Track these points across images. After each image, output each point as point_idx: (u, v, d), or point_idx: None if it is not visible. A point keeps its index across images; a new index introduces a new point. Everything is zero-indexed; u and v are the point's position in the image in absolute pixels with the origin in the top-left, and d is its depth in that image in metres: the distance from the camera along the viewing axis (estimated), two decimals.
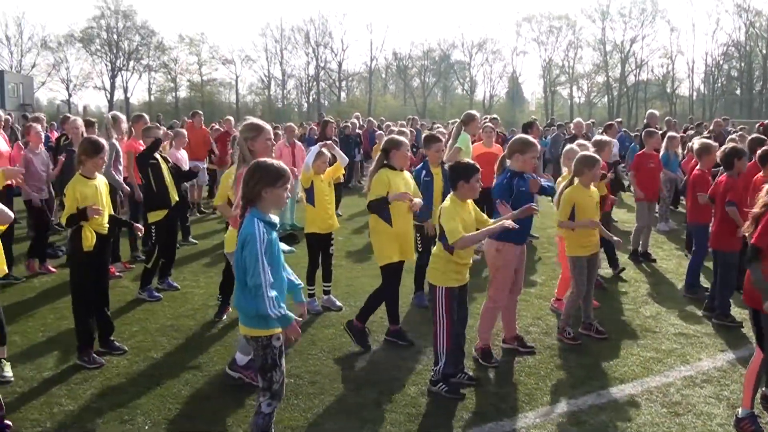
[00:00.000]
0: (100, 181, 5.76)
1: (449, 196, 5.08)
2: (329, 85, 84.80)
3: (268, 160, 3.80)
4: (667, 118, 15.52)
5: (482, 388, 5.21)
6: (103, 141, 5.79)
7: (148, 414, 4.74)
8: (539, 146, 5.97)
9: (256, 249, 3.53)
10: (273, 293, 3.58)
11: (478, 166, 5.07)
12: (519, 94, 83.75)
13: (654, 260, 9.61)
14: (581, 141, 7.83)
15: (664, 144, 10.76)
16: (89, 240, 5.55)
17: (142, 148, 8.15)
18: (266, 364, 3.79)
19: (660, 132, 11.45)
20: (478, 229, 4.98)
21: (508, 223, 4.73)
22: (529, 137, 6.07)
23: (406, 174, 6.17)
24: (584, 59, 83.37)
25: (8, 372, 5.28)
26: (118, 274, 8.50)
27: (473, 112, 9.72)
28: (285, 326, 3.70)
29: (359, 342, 6.02)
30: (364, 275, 8.63)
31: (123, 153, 8.75)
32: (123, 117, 9.06)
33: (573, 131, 14.01)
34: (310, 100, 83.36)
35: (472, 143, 9.50)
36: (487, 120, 12.29)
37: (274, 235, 3.71)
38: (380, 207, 5.91)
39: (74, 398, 4.99)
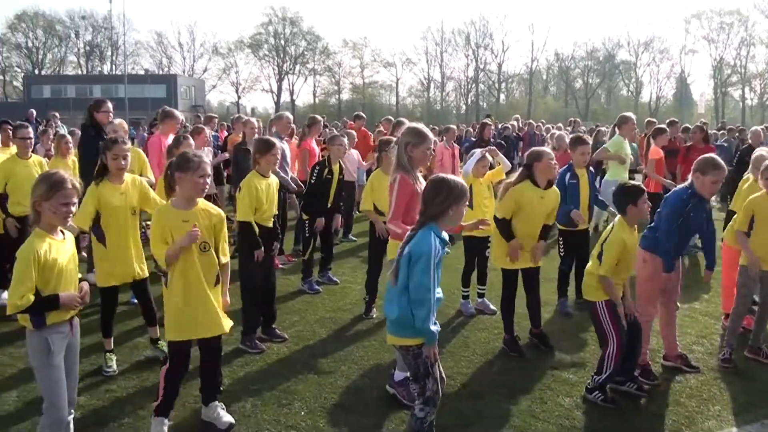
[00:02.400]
0: (272, 180, 6.10)
1: (618, 220, 4.91)
2: (488, 87, 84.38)
3: (450, 176, 3.80)
4: None
5: (639, 406, 4.96)
6: (275, 140, 6.12)
7: (304, 401, 4.93)
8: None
9: (429, 266, 3.56)
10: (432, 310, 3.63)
11: (643, 187, 4.92)
12: (687, 95, 78.84)
13: None
14: None
15: None
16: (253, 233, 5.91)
17: (317, 149, 8.55)
18: (419, 372, 3.83)
19: None
20: None
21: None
22: (718, 159, 5.30)
23: (549, 192, 5.89)
24: (757, 58, 76.69)
25: (156, 353, 5.69)
26: (281, 266, 8.93)
27: (628, 114, 9.38)
28: (430, 343, 3.71)
29: (512, 350, 5.95)
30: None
31: (296, 151, 9.16)
32: (289, 116, 9.46)
33: (750, 141, 13.00)
34: (469, 102, 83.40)
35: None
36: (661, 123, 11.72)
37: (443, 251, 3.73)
38: (502, 229, 5.84)
39: (235, 380, 5.29)
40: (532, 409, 4.85)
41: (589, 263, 5.01)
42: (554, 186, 5.99)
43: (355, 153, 11.23)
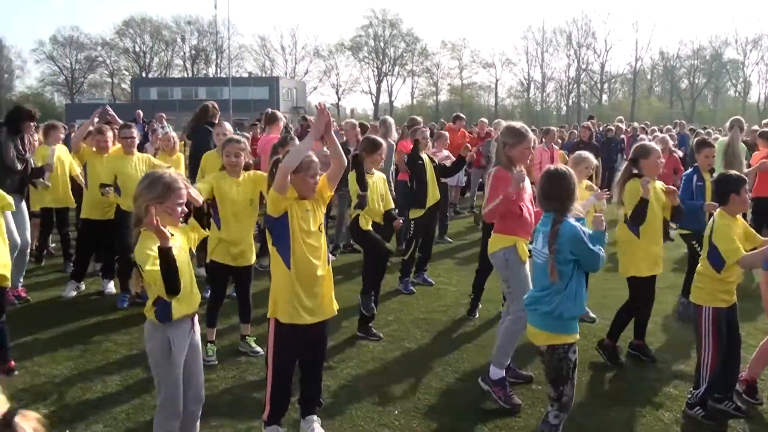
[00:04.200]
0: (378, 177, 6.37)
1: (718, 211, 4.70)
2: (590, 88, 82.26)
3: (564, 168, 3.90)
4: None
5: (741, 424, 4.70)
6: (381, 140, 6.29)
7: (398, 401, 4.97)
8: None
9: (585, 244, 3.68)
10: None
11: (745, 177, 4.75)
12: None
13: None
14: None
15: None
16: (365, 224, 6.22)
17: None
18: (560, 376, 3.85)
19: None
20: (754, 248, 4.56)
21: None
22: None
23: (656, 185, 5.66)
24: None
25: (257, 347, 5.85)
26: None
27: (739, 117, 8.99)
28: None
29: (610, 359, 5.77)
30: (620, 287, 8.20)
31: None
32: (391, 120, 9.78)
33: None
34: (570, 103, 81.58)
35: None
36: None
37: None
38: (643, 212, 5.46)
39: (332, 376, 5.37)
40: (630, 422, 4.71)
41: (699, 265, 4.80)
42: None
43: (445, 153, 11.24)
